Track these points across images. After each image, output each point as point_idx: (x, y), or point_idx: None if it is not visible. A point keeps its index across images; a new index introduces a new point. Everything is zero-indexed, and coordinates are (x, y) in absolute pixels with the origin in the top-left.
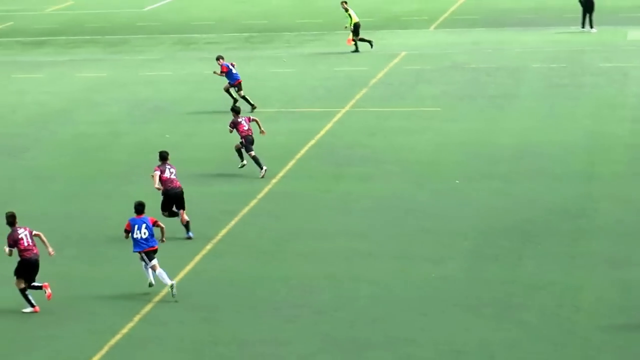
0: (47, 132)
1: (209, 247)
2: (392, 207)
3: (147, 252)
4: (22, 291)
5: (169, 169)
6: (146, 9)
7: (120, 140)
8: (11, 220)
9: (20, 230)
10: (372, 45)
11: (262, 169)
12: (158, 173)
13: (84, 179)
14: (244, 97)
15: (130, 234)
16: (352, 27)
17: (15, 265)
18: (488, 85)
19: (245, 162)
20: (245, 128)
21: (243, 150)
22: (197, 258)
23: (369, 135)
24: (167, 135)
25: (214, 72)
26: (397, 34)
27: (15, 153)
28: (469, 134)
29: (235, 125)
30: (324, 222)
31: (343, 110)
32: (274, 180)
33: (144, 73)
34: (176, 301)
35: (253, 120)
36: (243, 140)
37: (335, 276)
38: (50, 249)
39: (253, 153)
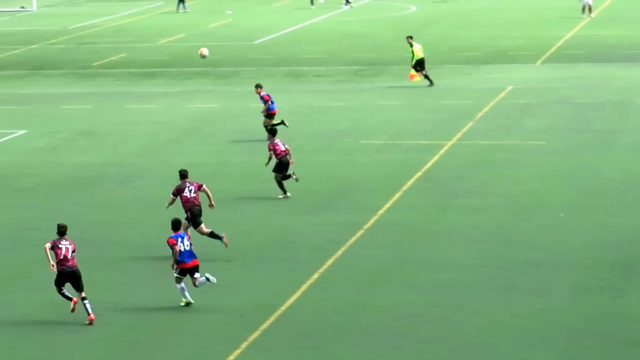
0: (157, 161)
1: (315, 276)
2: (496, 239)
3: (191, 268)
4: (59, 291)
5: (189, 187)
6: (257, 41)
7: (229, 170)
8: (62, 230)
9: (62, 242)
10: (431, 83)
11: (284, 192)
12: (174, 199)
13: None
14: (279, 124)
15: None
16: (413, 63)
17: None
18: (593, 119)
19: (288, 194)
20: (282, 149)
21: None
22: (304, 287)
23: (474, 168)
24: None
25: (261, 99)
26: (503, 68)
27: (126, 182)
28: (574, 168)
29: (273, 146)
30: (429, 253)
31: (449, 143)
32: (380, 212)
33: (253, 104)
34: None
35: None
36: (278, 161)
37: (440, 306)
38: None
39: (293, 177)
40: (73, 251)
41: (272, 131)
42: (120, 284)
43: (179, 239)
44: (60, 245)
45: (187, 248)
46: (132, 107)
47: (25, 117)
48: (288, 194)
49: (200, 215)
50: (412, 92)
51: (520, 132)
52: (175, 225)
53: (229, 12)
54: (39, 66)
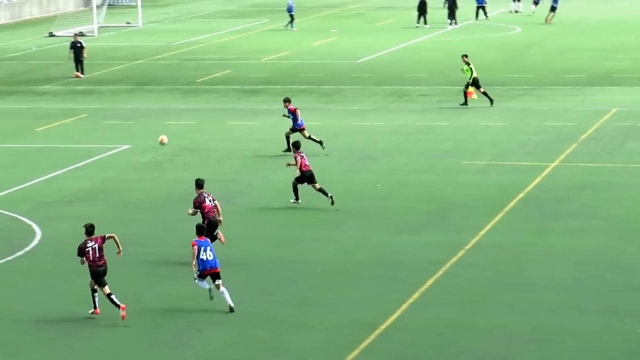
0: (259, 178)
1: (416, 295)
2: (599, 262)
3: (212, 273)
4: (92, 292)
5: (207, 197)
6: (360, 60)
7: (331, 188)
8: (90, 230)
9: (89, 243)
10: (492, 103)
11: (328, 195)
12: (196, 211)
13: (294, 224)
14: (288, 141)
15: (197, 255)
16: (470, 81)
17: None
18: None
19: (299, 201)
20: (307, 163)
21: (299, 186)
22: (404, 306)
23: (577, 190)
24: (378, 185)
25: (284, 115)
26: (608, 90)
27: (228, 198)
28: None
29: (297, 160)
30: (530, 274)
31: (552, 165)
32: (481, 232)
33: (356, 123)
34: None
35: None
36: (301, 175)
37: (541, 328)
38: (120, 249)
39: (318, 186)
40: (100, 249)
41: (296, 145)
42: (222, 301)
43: (202, 248)
44: (87, 249)
45: (210, 258)
46: (235, 123)
47: (129, 132)
48: (299, 200)
49: (217, 228)
50: (516, 113)
51: (624, 154)
52: (200, 230)
53: (333, 30)
54: (143, 82)
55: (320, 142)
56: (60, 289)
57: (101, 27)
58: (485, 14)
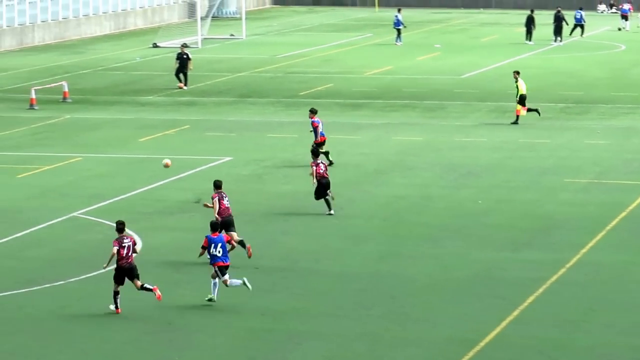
0: (361, 192)
1: (515, 313)
2: None
3: (221, 267)
4: (115, 294)
5: (224, 196)
6: (464, 75)
7: (432, 203)
8: (120, 227)
9: (125, 240)
10: (539, 114)
11: (330, 209)
12: (217, 198)
13: (394, 240)
14: (325, 153)
15: (207, 250)
16: (517, 98)
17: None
18: None
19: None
20: (322, 171)
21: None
22: (504, 324)
23: None
24: (479, 202)
25: (311, 132)
26: None
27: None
28: None
29: (315, 166)
30: (632, 294)
31: None
32: (583, 250)
33: (459, 138)
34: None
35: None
36: (318, 183)
37: None
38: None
39: (329, 195)
40: (134, 245)
41: (315, 153)
42: (321, 315)
43: (213, 244)
44: (123, 244)
45: (219, 254)
46: (338, 137)
47: (231, 144)
48: (332, 211)
49: (232, 224)
50: (620, 131)
51: None
52: (214, 227)
53: (437, 45)
54: (246, 94)
55: (327, 154)
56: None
57: (205, 38)
58: (582, 32)
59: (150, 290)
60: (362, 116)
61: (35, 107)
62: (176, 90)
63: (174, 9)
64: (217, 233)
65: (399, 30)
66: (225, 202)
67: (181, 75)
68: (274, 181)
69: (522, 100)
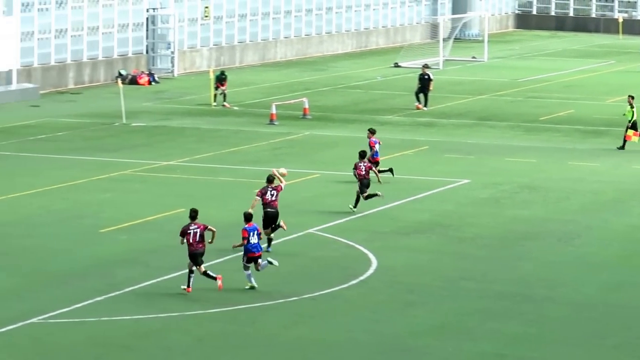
0: (598, 220)
1: None
2: None
3: (253, 257)
4: (189, 272)
5: (270, 191)
6: None
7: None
8: (193, 215)
9: (192, 227)
10: None
11: (354, 206)
12: (259, 199)
13: (631, 270)
14: (389, 170)
15: (247, 240)
16: (630, 123)
17: None
18: None
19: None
20: (362, 172)
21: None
22: None
23: None
24: None
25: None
26: None
27: (566, 239)
28: None
29: (356, 167)
30: None
31: None
32: None
33: None
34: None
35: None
36: (359, 182)
37: None
38: (211, 240)
39: (365, 195)
40: (201, 233)
41: (361, 154)
42: (554, 342)
43: (251, 233)
44: (189, 231)
45: (256, 241)
46: (576, 164)
47: (469, 167)
48: (354, 208)
49: (276, 217)
50: None
51: None
52: (248, 217)
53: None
54: (485, 117)
55: (391, 170)
56: (392, 319)
57: (447, 60)
58: None
59: (214, 278)
60: (603, 143)
61: (275, 123)
62: (415, 111)
63: (416, 29)
64: (252, 223)
65: None
66: (269, 195)
67: (421, 96)
68: (511, 205)
69: (634, 125)
